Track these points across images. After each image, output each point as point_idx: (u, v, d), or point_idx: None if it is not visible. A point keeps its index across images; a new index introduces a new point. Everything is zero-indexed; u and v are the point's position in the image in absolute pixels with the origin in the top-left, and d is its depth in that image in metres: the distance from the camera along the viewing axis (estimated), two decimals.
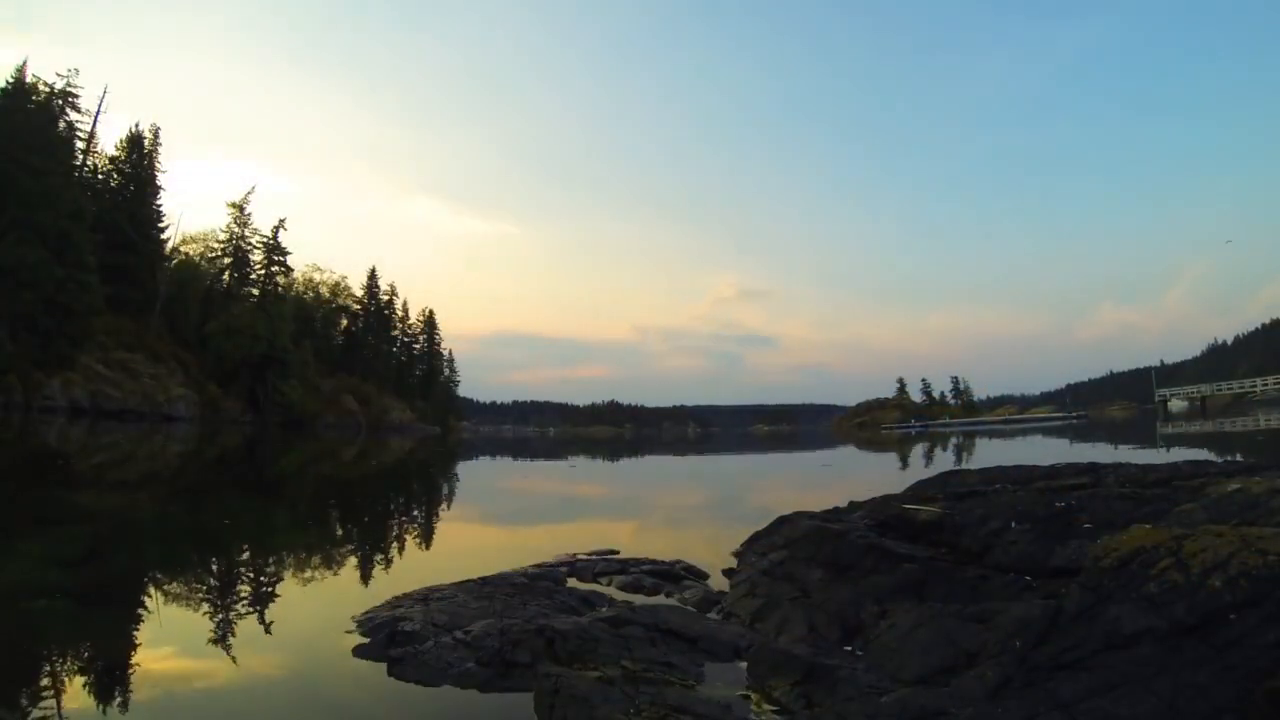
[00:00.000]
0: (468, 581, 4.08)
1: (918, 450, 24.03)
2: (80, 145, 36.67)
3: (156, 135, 41.74)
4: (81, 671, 2.85)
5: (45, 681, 2.72)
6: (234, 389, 41.47)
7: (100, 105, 37.60)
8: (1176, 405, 54.52)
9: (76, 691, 2.60)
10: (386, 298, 67.01)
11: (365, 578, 4.72)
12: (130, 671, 2.85)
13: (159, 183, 41.51)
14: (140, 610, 3.80)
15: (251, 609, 3.88)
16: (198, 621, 3.57)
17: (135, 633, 3.39)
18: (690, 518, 8.34)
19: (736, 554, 5.17)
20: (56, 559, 4.62)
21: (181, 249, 47.09)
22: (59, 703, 2.50)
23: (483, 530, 7.32)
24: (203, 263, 47.87)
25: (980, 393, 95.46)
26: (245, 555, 5.56)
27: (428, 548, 6.30)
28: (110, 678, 2.77)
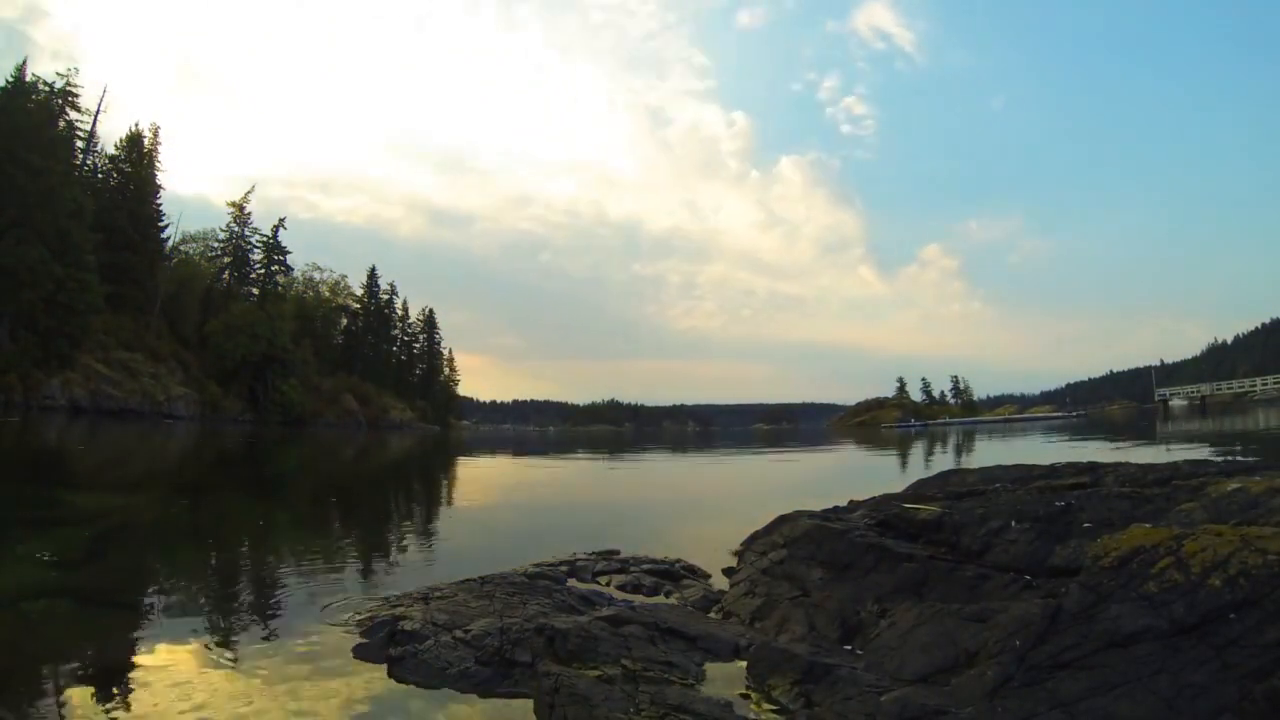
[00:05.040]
0: (468, 580, 4.08)
1: (917, 449, 24.03)
2: (80, 144, 36.68)
3: (156, 135, 41.73)
4: (81, 671, 2.85)
5: (45, 681, 2.72)
6: (234, 388, 41.45)
7: (100, 105, 37.62)
8: (1177, 405, 54.46)
9: (76, 691, 2.60)
10: (386, 297, 67.03)
11: (365, 576, 4.72)
12: (130, 671, 2.85)
13: (159, 182, 41.52)
14: (140, 610, 3.80)
15: (251, 608, 3.88)
16: (198, 621, 3.57)
17: (135, 633, 3.39)
18: (690, 516, 8.34)
19: (736, 553, 5.17)
20: (57, 559, 4.62)
21: (181, 248, 47.16)
22: (59, 702, 2.50)
23: (482, 529, 7.32)
24: (203, 262, 47.92)
25: (980, 392, 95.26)
26: (245, 554, 5.56)
27: (428, 547, 6.29)
28: (110, 678, 2.77)
